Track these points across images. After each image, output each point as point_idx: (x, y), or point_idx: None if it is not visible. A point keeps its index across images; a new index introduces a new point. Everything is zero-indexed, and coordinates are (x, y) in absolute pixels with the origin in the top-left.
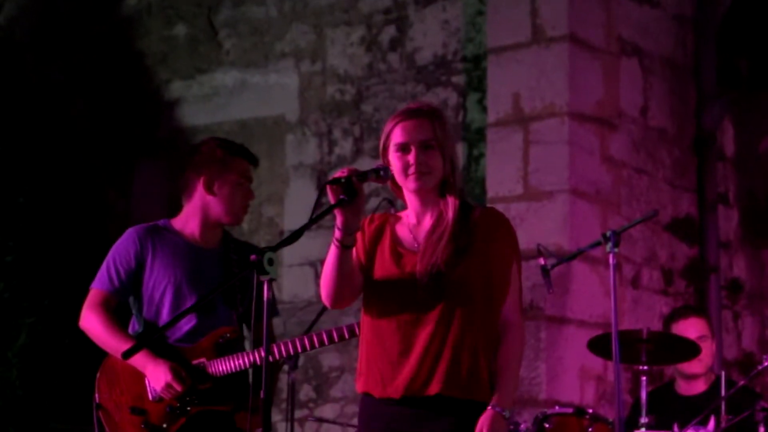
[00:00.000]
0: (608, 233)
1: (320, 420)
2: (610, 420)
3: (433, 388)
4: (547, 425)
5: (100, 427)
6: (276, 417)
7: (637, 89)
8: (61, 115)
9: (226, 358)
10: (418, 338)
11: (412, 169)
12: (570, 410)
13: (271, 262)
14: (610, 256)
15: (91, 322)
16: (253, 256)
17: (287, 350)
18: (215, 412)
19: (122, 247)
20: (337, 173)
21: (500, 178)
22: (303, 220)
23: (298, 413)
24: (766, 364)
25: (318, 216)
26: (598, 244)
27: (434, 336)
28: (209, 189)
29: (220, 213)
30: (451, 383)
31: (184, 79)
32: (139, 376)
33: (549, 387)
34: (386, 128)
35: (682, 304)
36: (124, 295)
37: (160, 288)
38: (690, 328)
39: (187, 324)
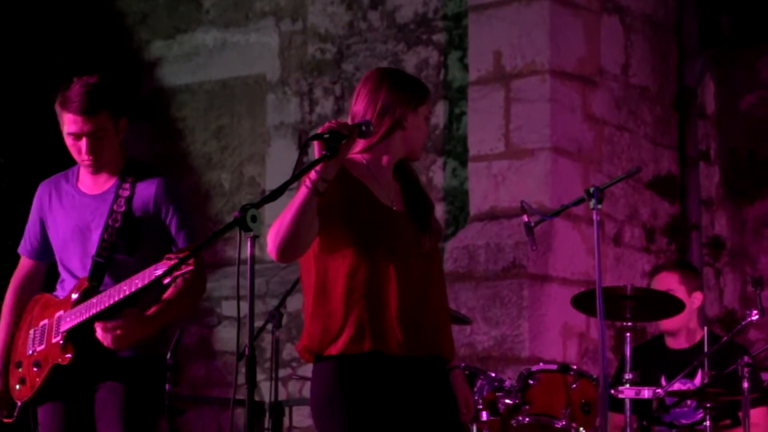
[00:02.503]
0: (592, 189)
1: (303, 378)
2: (595, 376)
3: (435, 348)
4: (531, 382)
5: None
6: (260, 376)
7: (619, 47)
8: (40, 77)
9: (74, 310)
10: (419, 297)
11: (426, 138)
12: (554, 367)
13: (254, 218)
14: (594, 213)
15: (4, 304)
16: (236, 213)
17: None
18: (68, 366)
19: (32, 209)
20: (324, 126)
21: (482, 136)
22: (285, 179)
23: (282, 372)
24: (749, 319)
25: (301, 171)
26: (581, 200)
27: (431, 296)
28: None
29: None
30: (444, 343)
31: (165, 39)
32: (27, 331)
33: (532, 344)
34: (413, 93)
35: (664, 261)
36: (45, 255)
37: (58, 242)
38: (657, 284)
39: (73, 273)
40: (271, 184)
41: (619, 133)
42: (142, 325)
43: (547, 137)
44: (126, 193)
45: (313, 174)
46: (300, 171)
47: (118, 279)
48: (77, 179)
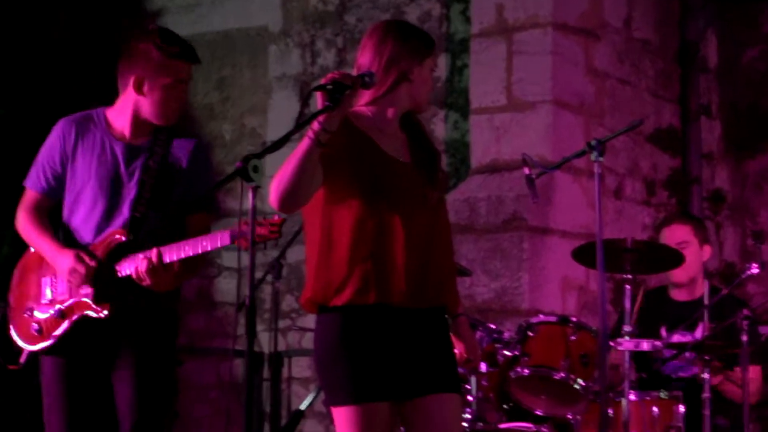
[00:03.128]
0: (593, 142)
1: (303, 329)
2: (594, 328)
3: (439, 300)
4: (531, 333)
5: (5, 324)
6: (259, 327)
7: (621, 0)
8: (42, 26)
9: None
10: (424, 249)
11: (431, 91)
12: (554, 319)
13: (255, 169)
14: (596, 165)
15: (24, 227)
16: (238, 163)
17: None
18: (94, 319)
19: (49, 144)
20: (327, 77)
21: (484, 88)
22: (286, 130)
23: (281, 323)
24: (749, 272)
25: (304, 122)
26: (583, 153)
27: (436, 248)
28: (139, 89)
29: (149, 114)
30: (449, 295)
31: None
32: (38, 277)
33: (531, 297)
34: (419, 46)
35: (665, 214)
36: (56, 194)
37: (77, 186)
38: (671, 235)
39: (93, 222)
40: (272, 135)
41: (621, 87)
42: (172, 281)
43: (549, 90)
44: (161, 150)
45: (315, 125)
46: (303, 122)
47: (147, 234)
48: (107, 124)
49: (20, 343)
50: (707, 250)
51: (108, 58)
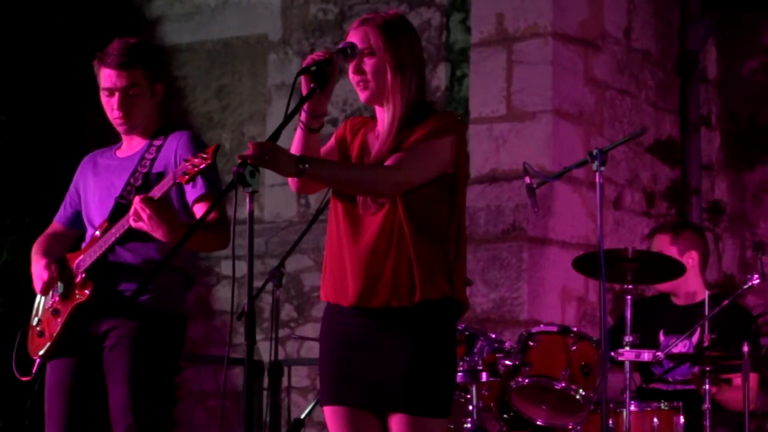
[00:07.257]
0: (595, 151)
1: (302, 338)
2: (595, 338)
3: (378, 300)
4: (531, 343)
5: (23, 340)
6: (258, 336)
7: (621, 10)
8: (41, 33)
9: (90, 249)
10: (361, 248)
11: (356, 80)
12: (555, 329)
13: (252, 174)
14: (597, 175)
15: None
16: (234, 168)
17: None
18: (88, 314)
19: (73, 177)
20: (307, 60)
21: (483, 98)
22: (285, 138)
23: (280, 332)
24: (750, 283)
25: (293, 111)
26: (584, 162)
27: (375, 246)
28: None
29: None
30: (395, 294)
31: None
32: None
33: (530, 307)
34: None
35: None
36: (77, 223)
37: (85, 206)
38: (653, 247)
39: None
40: None
41: (621, 97)
42: (171, 221)
43: (549, 100)
44: (151, 156)
45: (303, 116)
46: (293, 110)
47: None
48: (118, 148)
49: (30, 353)
50: (691, 256)
51: None
